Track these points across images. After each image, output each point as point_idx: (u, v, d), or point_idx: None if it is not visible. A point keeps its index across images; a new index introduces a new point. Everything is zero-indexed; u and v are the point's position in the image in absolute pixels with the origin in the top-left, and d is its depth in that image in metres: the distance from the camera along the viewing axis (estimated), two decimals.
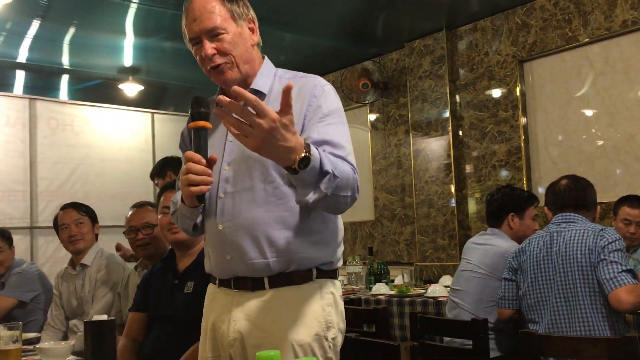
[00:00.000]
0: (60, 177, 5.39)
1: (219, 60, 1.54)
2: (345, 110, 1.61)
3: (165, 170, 3.85)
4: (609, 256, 2.31)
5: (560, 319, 2.39)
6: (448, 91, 5.17)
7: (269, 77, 1.62)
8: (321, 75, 1.63)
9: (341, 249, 1.63)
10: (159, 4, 4.42)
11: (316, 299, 1.53)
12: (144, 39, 5.24)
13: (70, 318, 3.10)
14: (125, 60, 5.74)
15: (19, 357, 1.85)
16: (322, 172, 1.31)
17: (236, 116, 1.23)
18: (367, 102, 5.86)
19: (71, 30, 4.93)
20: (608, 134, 4.33)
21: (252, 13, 1.62)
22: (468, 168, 5.14)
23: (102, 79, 6.19)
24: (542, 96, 4.72)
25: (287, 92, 1.23)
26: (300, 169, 1.27)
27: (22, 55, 5.43)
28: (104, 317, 1.82)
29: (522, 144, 4.75)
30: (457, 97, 5.21)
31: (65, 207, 3.20)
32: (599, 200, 2.66)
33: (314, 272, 1.54)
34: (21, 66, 5.75)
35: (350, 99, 5.80)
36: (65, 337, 3.00)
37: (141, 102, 6.43)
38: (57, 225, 3.17)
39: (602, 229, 2.41)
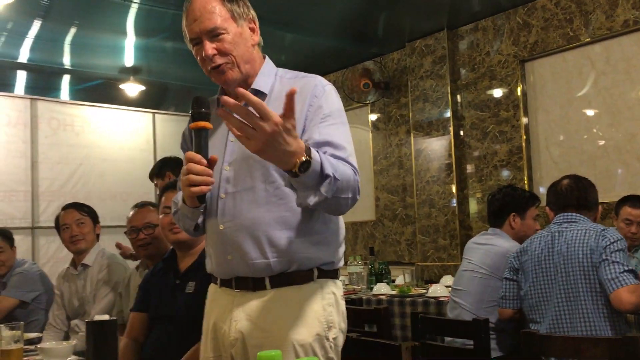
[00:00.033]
0: (61, 177, 5.40)
1: (219, 60, 1.54)
2: (346, 110, 1.61)
3: (164, 170, 3.86)
4: (611, 256, 2.31)
5: (562, 319, 2.39)
6: (449, 91, 5.16)
7: (270, 77, 1.62)
8: (322, 75, 1.63)
9: (342, 249, 1.63)
10: (160, 4, 4.42)
11: (317, 299, 1.53)
12: (145, 39, 5.24)
13: (71, 318, 3.10)
14: (126, 61, 5.74)
15: (21, 357, 1.85)
16: (323, 176, 1.31)
17: (240, 118, 1.23)
18: (368, 102, 5.85)
19: (72, 31, 4.93)
20: (609, 134, 4.33)
21: (252, 13, 1.62)
22: (469, 168, 5.14)
23: (103, 79, 6.19)
24: (543, 96, 4.72)
25: (290, 97, 1.23)
26: (300, 172, 1.27)
27: (24, 56, 5.43)
28: (106, 317, 1.82)
29: (524, 144, 4.75)
30: (458, 97, 5.20)
31: (67, 208, 3.20)
32: (600, 200, 2.65)
33: (315, 272, 1.54)
34: (22, 66, 5.75)
35: (351, 99, 5.80)
36: (66, 337, 3.00)
37: (142, 102, 6.43)
38: (59, 226, 3.17)
39: (604, 229, 2.40)
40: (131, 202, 3.03)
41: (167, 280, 2.29)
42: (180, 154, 1.79)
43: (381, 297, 3.58)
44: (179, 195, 1.62)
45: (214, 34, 1.53)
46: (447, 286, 3.55)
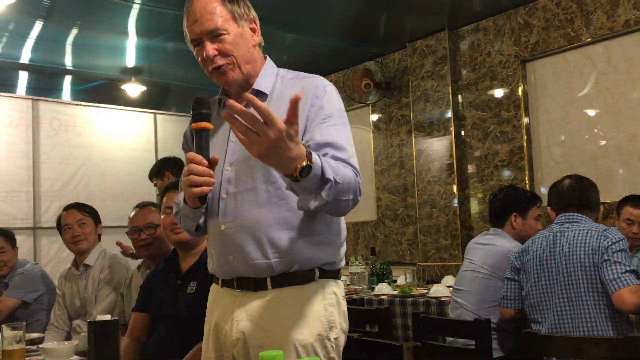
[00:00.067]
0: (63, 178, 5.40)
1: (220, 61, 1.54)
2: (347, 111, 1.61)
3: (163, 170, 3.86)
4: (613, 256, 2.31)
5: (563, 319, 2.39)
6: (450, 91, 5.16)
7: (271, 77, 1.62)
8: (323, 75, 1.63)
9: (343, 249, 1.63)
10: (161, 4, 4.42)
11: (319, 299, 1.53)
12: (147, 39, 5.25)
13: (73, 318, 3.11)
14: (128, 61, 5.75)
15: (23, 357, 1.85)
16: (324, 180, 1.31)
17: (244, 122, 1.23)
18: (369, 102, 5.85)
19: (74, 31, 4.94)
20: (610, 134, 4.33)
21: (253, 13, 1.62)
22: (470, 168, 5.14)
23: (104, 79, 6.19)
24: (544, 96, 4.71)
25: (294, 103, 1.23)
26: (301, 177, 1.28)
27: (25, 56, 5.44)
28: (107, 317, 1.82)
29: (525, 144, 4.74)
30: (460, 97, 5.20)
31: (68, 208, 3.21)
32: (601, 200, 2.65)
33: (317, 273, 1.54)
34: (24, 67, 5.76)
35: (352, 99, 5.80)
36: (68, 337, 3.01)
37: (144, 103, 6.44)
38: (60, 226, 3.18)
39: (605, 229, 2.40)
40: (132, 203, 3.03)
41: (168, 280, 2.29)
42: (181, 155, 1.79)
43: (382, 297, 3.58)
44: (180, 196, 1.62)
45: (215, 35, 1.53)
46: (448, 286, 3.54)
